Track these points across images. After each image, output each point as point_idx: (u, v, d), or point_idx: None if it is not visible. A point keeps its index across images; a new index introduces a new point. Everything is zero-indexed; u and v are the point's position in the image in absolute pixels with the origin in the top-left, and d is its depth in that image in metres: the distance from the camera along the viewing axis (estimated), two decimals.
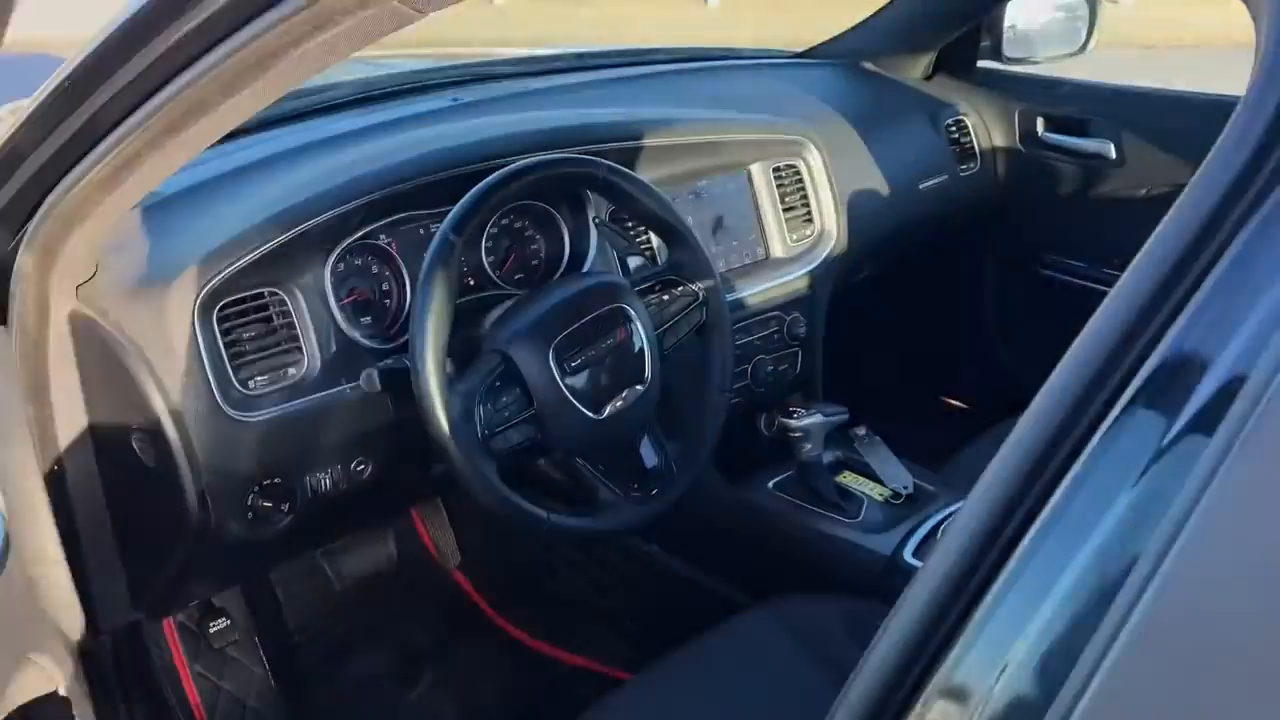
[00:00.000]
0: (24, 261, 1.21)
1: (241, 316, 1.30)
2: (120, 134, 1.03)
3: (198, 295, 1.24)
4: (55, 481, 1.36)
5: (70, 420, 1.33)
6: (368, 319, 1.43)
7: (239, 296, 1.29)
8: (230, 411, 1.26)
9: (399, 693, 1.93)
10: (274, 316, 1.33)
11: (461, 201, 1.28)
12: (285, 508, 1.33)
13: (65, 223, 1.17)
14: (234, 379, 1.28)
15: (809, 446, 1.69)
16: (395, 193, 1.39)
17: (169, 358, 1.24)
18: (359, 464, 1.39)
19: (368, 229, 1.40)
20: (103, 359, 1.28)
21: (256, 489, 1.31)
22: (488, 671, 1.99)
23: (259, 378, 1.31)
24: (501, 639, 2.06)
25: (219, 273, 1.25)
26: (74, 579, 1.42)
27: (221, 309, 1.28)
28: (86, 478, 1.37)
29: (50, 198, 1.15)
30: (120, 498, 1.39)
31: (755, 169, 1.84)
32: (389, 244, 1.45)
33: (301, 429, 1.32)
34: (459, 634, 2.07)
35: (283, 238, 1.30)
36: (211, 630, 1.72)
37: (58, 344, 1.29)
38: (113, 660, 1.51)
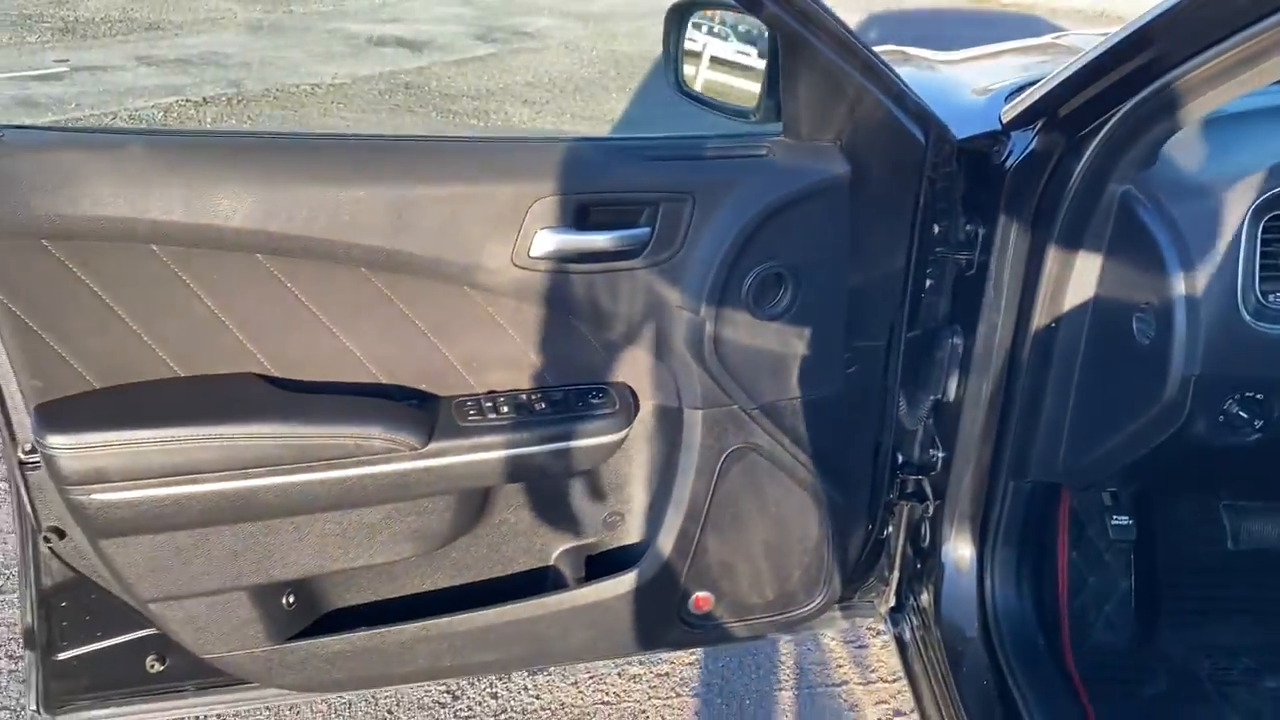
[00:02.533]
0: (1097, 147, 1.38)
1: None
2: (1254, 30, 1.10)
3: (1254, 200, 1.29)
4: (1044, 336, 1.54)
5: (1081, 287, 1.49)
6: None
7: None
8: (1244, 315, 1.31)
9: (1258, 683, 1.84)
10: None
11: None
12: (1258, 424, 1.34)
13: (1151, 115, 1.30)
14: (1257, 286, 1.32)
15: None
16: None
17: (1206, 250, 1.32)
18: None
19: None
20: (1133, 239, 1.41)
21: (1237, 396, 1.34)
22: None
23: (1278, 294, 1.33)
24: None
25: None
26: (1037, 423, 1.60)
27: (1269, 220, 1.31)
28: (1073, 338, 1.53)
29: (1148, 90, 1.28)
30: (1095, 365, 1.52)
31: None
32: None
33: None
34: None
35: None
36: (1113, 523, 1.81)
37: (1100, 220, 1.44)
38: (1023, 514, 1.68)
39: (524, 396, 1.45)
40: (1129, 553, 1.88)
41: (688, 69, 1.63)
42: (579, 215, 1.36)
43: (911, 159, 1.47)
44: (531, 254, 1.35)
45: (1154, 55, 1.24)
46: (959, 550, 1.77)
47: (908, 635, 1.86)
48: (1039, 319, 1.54)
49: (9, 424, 1.33)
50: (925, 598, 1.84)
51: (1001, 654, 1.67)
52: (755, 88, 1.52)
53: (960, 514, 1.75)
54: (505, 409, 1.42)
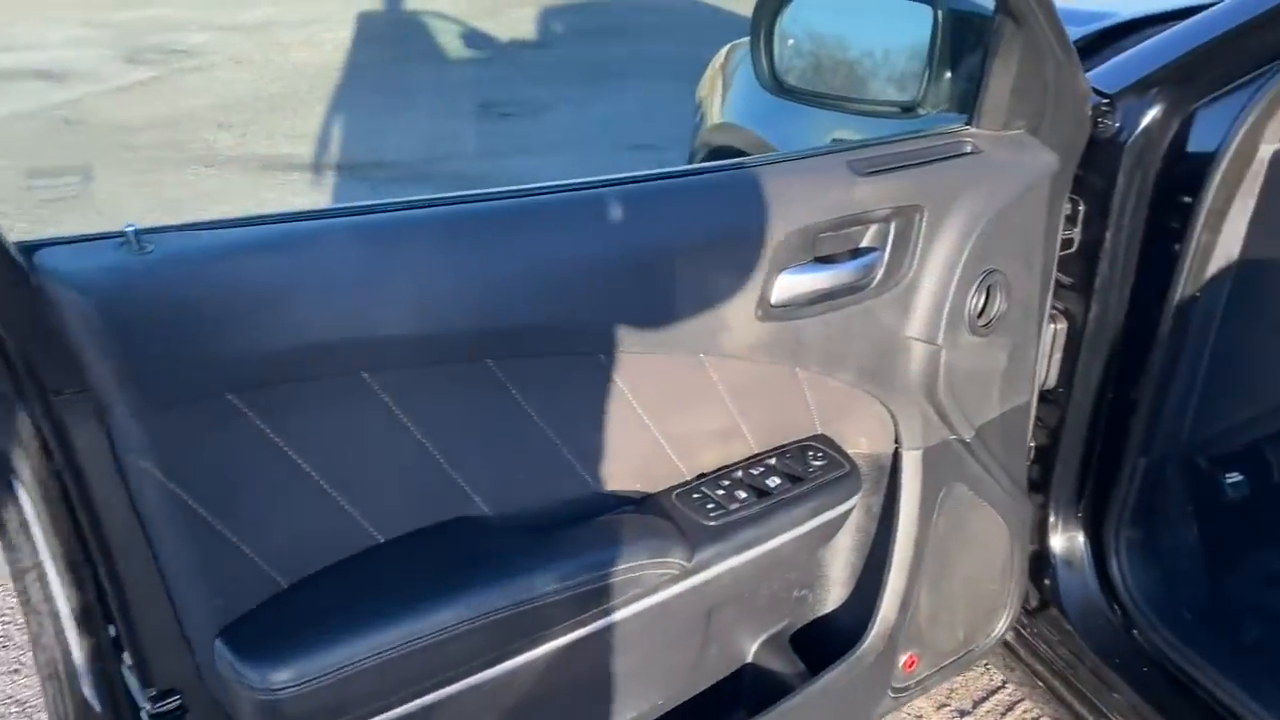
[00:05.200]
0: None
1: None
2: None
3: None
4: (1183, 307, 1.48)
5: (1227, 248, 1.45)
6: None
7: None
8: None
9: None
10: None
11: None
12: None
13: None
14: None
15: None
16: None
17: None
18: None
19: None
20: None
21: None
22: None
23: None
24: None
25: None
26: (1164, 398, 1.55)
27: None
28: (1210, 307, 1.50)
29: None
30: (1235, 334, 1.50)
31: None
32: None
33: None
34: None
35: None
36: (1227, 481, 1.81)
37: (1251, 179, 1.41)
38: (1141, 492, 1.64)
39: (739, 473, 1.20)
40: (1241, 509, 1.87)
41: (789, 64, 1.43)
42: (815, 248, 1.13)
43: (1081, 139, 1.36)
44: (773, 302, 1.11)
45: None
46: (1068, 541, 1.70)
47: (1011, 637, 1.78)
48: (1177, 290, 1.49)
49: (144, 667, 0.89)
50: (1029, 597, 1.75)
51: (1154, 634, 1.62)
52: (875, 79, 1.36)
53: (1067, 504, 1.68)
54: (740, 494, 1.16)
